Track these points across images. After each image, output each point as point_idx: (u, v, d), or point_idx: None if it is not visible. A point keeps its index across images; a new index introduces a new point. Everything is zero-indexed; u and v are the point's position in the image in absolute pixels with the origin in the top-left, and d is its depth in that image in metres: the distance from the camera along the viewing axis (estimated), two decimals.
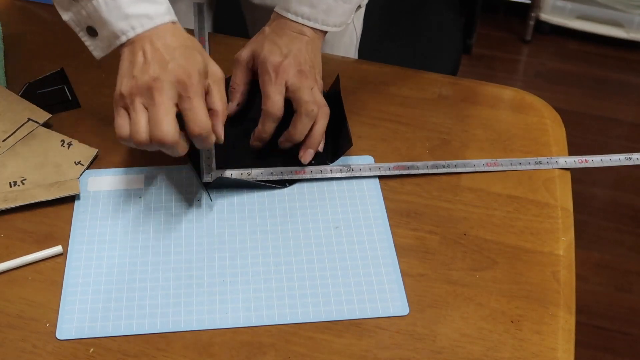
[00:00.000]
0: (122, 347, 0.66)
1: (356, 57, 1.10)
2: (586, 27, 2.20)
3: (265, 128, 0.78)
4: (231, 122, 0.80)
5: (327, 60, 0.91)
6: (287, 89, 0.77)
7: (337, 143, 0.80)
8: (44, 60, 0.92)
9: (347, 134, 0.79)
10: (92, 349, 0.66)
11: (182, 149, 0.70)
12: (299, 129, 0.77)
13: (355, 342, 0.66)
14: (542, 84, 2.15)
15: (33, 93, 0.88)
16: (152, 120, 0.68)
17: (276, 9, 0.81)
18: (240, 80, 0.81)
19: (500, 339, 0.67)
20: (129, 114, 0.70)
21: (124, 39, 0.71)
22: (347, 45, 1.07)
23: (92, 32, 0.73)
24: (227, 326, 0.67)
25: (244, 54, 0.81)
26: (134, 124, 0.69)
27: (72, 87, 0.89)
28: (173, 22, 0.73)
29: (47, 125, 0.84)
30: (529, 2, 2.21)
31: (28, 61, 0.92)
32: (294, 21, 0.79)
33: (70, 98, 0.87)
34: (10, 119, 0.83)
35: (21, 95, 0.87)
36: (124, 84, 0.70)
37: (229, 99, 0.81)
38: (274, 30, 0.80)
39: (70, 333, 0.66)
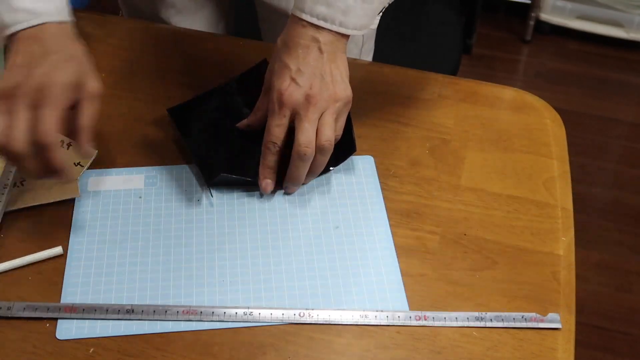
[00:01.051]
0: (122, 347, 0.66)
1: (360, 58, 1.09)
2: (586, 27, 2.20)
3: (266, 161, 0.76)
4: (241, 132, 0.80)
5: None
6: (291, 118, 0.74)
7: (341, 148, 0.79)
8: None
9: (352, 139, 0.79)
10: (92, 349, 0.66)
11: (30, 164, 0.67)
12: (294, 173, 0.75)
13: (355, 342, 0.66)
14: (542, 84, 2.15)
15: None
16: (38, 127, 0.66)
17: (292, 10, 0.76)
18: (260, 105, 0.78)
19: (500, 339, 0.67)
20: None
21: (7, 32, 0.70)
22: (350, 48, 1.06)
23: None
24: (227, 326, 0.67)
25: (266, 77, 0.77)
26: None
27: None
28: (61, 22, 0.71)
29: None
30: (529, 2, 2.21)
31: None
32: (309, 23, 0.73)
33: None
34: None
35: None
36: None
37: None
38: (285, 42, 0.75)
39: (70, 333, 0.66)
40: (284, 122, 0.73)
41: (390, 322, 0.67)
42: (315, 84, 0.73)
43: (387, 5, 0.78)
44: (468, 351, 0.66)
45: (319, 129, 0.73)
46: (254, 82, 0.82)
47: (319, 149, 0.74)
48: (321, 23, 0.73)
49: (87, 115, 0.69)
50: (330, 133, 0.74)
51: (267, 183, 0.76)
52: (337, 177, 0.80)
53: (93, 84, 0.70)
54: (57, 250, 0.72)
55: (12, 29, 0.70)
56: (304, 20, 0.73)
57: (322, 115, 0.73)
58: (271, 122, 0.74)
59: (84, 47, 0.72)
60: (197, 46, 0.95)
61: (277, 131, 0.74)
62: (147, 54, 0.93)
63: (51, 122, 0.66)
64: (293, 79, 0.73)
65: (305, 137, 0.73)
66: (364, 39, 1.06)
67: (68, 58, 0.69)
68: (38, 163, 0.68)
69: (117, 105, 0.86)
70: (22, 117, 0.66)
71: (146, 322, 0.67)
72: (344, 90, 0.75)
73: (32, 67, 0.68)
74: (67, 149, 0.81)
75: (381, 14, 0.78)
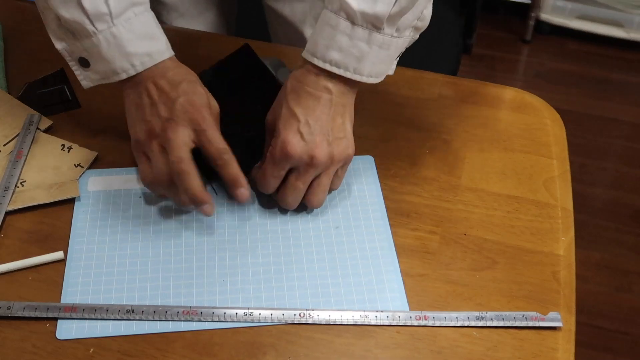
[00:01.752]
0: (122, 347, 0.66)
1: None
2: (586, 27, 2.20)
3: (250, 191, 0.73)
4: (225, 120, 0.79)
5: None
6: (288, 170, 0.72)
7: None
8: (44, 60, 0.92)
9: None
10: (92, 349, 0.66)
11: (205, 198, 0.71)
12: (271, 193, 0.74)
13: (355, 342, 0.66)
14: (542, 84, 2.15)
15: (33, 93, 0.88)
16: (171, 158, 0.69)
17: (303, 54, 0.71)
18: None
19: (500, 339, 0.67)
20: (149, 159, 0.72)
21: (124, 76, 0.71)
22: None
23: (84, 62, 0.73)
24: (227, 326, 0.67)
25: (269, 118, 0.74)
26: (154, 166, 0.71)
27: (72, 87, 0.88)
28: (171, 58, 0.73)
29: (47, 127, 0.84)
30: (529, 2, 2.21)
31: (28, 61, 0.92)
32: (321, 69, 0.69)
33: (70, 98, 0.87)
34: (11, 124, 0.83)
35: (21, 95, 0.87)
36: (138, 130, 0.71)
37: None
38: (295, 89, 0.71)
39: (70, 333, 0.66)
40: (282, 174, 0.72)
41: (390, 322, 0.67)
42: (321, 144, 0.70)
43: (404, 50, 0.73)
44: (468, 351, 0.66)
45: (313, 190, 0.72)
46: (233, 69, 0.81)
47: (308, 205, 0.74)
48: (334, 69, 0.69)
49: (219, 136, 0.71)
50: (323, 197, 0.73)
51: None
52: None
53: (214, 104, 0.73)
54: (59, 255, 0.72)
55: (129, 73, 0.71)
56: (317, 67, 0.70)
57: (320, 174, 0.72)
58: (268, 171, 0.72)
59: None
60: (197, 46, 0.95)
61: (272, 182, 0.72)
62: None
63: (220, 141, 0.70)
64: (300, 133, 0.70)
65: (293, 197, 0.73)
66: None
67: (193, 83, 0.72)
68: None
69: (118, 104, 0.86)
70: (184, 145, 0.69)
71: (146, 322, 0.67)
72: (347, 149, 0.72)
73: (171, 101, 0.70)
74: (68, 152, 0.81)
75: (398, 59, 0.74)
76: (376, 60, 0.70)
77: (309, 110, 0.70)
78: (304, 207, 0.76)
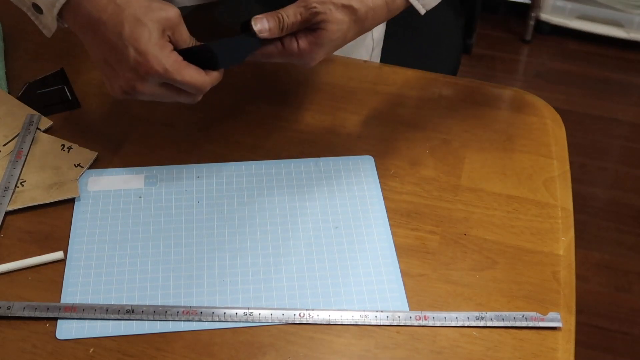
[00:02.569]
0: (122, 347, 0.66)
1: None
2: (586, 27, 2.20)
3: (268, 48, 0.71)
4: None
5: (328, 60, 0.91)
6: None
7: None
8: (44, 60, 0.92)
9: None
10: (92, 349, 0.66)
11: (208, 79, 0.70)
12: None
13: (355, 342, 0.66)
14: (542, 84, 2.15)
15: (33, 93, 0.88)
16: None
17: None
18: (290, 17, 0.70)
19: (500, 339, 0.67)
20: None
21: (55, 10, 0.69)
22: (362, 54, 1.06)
23: (37, 8, 0.72)
24: (227, 326, 0.67)
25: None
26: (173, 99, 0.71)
27: (72, 87, 0.89)
28: None
29: (47, 127, 0.84)
30: (529, 2, 2.21)
31: (28, 61, 0.92)
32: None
33: (70, 98, 0.87)
34: (11, 124, 0.83)
35: (21, 95, 0.87)
36: (114, 86, 0.70)
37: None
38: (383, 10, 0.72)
39: (70, 333, 0.66)
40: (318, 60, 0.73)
41: (390, 322, 0.68)
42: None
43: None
44: (468, 351, 0.66)
45: (313, 56, 0.72)
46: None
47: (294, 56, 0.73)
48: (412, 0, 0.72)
49: (186, 34, 0.70)
50: (311, 58, 0.72)
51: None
52: (337, 177, 0.80)
53: (171, 16, 0.69)
54: (59, 255, 0.72)
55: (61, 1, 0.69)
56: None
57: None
58: (311, 58, 0.72)
59: None
60: None
61: (312, 65, 0.73)
62: None
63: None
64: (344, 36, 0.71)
65: (304, 59, 0.72)
66: (374, 44, 1.06)
67: (138, 19, 0.68)
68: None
69: (117, 104, 0.86)
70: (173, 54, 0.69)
71: (146, 322, 0.67)
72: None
73: (122, 55, 0.68)
74: (68, 152, 0.81)
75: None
76: None
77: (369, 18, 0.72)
78: (304, 208, 0.76)
